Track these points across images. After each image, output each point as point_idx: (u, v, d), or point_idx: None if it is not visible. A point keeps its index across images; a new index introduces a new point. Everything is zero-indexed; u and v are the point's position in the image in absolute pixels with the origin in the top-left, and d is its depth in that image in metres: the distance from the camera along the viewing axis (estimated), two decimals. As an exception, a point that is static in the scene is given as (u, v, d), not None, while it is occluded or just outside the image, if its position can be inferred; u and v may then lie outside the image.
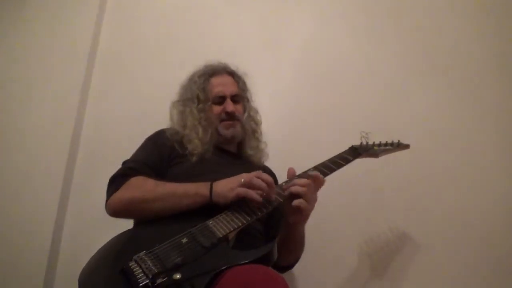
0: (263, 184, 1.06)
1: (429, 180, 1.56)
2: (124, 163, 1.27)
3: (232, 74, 1.47)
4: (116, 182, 1.19)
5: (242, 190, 1.05)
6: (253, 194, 1.05)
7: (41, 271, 1.63)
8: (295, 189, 1.08)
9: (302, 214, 1.10)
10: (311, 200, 1.10)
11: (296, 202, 1.06)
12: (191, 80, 1.45)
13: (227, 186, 1.08)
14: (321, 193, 1.15)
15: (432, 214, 1.51)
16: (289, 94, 1.79)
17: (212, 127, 1.36)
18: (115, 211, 1.17)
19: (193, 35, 1.95)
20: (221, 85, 1.41)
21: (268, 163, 1.50)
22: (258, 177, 1.07)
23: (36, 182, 1.78)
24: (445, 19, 1.76)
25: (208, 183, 1.10)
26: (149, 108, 1.83)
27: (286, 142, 1.69)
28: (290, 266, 1.31)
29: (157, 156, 1.28)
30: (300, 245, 1.25)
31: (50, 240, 1.68)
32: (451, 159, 1.57)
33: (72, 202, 1.79)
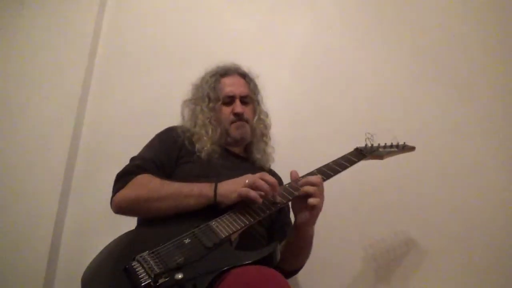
0: (266, 186, 1.05)
1: (434, 184, 1.56)
2: (132, 159, 1.27)
3: (244, 75, 1.47)
4: (122, 179, 1.19)
5: (244, 190, 1.05)
6: (254, 194, 1.04)
7: (41, 271, 1.62)
8: (306, 189, 1.08)
9: (314, 212, 1.09)
10: (321, 199, 1.09)
11: (311, 200, 1.06)
12: (203, 79, 1.46)
13: (231, 187, 1.08)
14: (325, 196, 1.13)
15: (438, 218, 1.51)
16: (289, 96, 1.79)
17: (222, 127, 1.37)
18: (120, 208, 1.17)
19: (193, 35, 1.95)
20: (232, 85, 1.41)
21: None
22: (262, 179, 1.06)
23: (36, 182, 1.78)
24: (447, 20, 1.77)
25: (213, 184, 1.10)
26: (149, 108, 1.83)
27: (287, 144, 1.68)
28: (295, 271, 1.29)
29: (165, 155, 1.28)
30: (307, 249, 1.23)
31: (50, 240, 1.67)
32: (454, 161, 1.57)
33: (72, 202, 1.78)
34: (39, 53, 1.99)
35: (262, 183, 1.06)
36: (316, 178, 1.10)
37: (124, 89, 1.94)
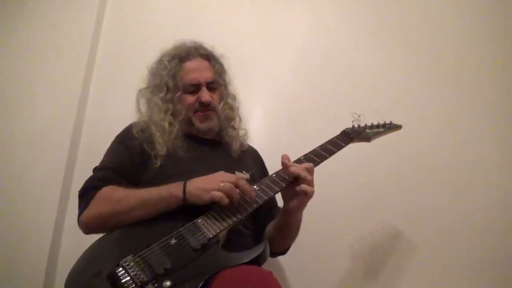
0: (237, 196, 1.00)
1: (425, 178, 1.54)
2: (94, 170, 1.19)
3: (208, 57, 1.30)
4: (85, 196, 1.12)
5: (218, 196, 0.98)
6: (227, 202, 0.99)
7: (41, 271, 1.63)
8: (295, 169, 1.03)
9: (304, 199, 1.05)
10: (312, 185, 1.06)
11: (303, 186, 1.02)
12: (160, 63, 1.29)
13: (201, 187, 1.00)
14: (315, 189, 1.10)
15: (428, 212, 1.50)
16: (287, 91, 1.77)
17: (185, 116, 1.24)
18: (89, 229, 1.10)
19: (192, 34, 1.92)
20: (195, 71, 1.25)
21: (266, 158, 1.46)
22: (237, 186, 1.00)
23: (36, 182, 1.78)
24: (442, 14, 1.74)
25: (181, 183, 1.02)
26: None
27: (284, 138, 1.68)
28: (283, 252, 1.27)
29: (127, 160, 1.18)
30: (295, 232, 1.21)
31: (50, 240, 1.68)
32: (447, 156, 1.55)
33: (72, 202, 1.78)
34: (39, 53, 1.98)
35: (236, 192, 1.00)
36: (307, 165, 1.06)
37: (124, 89, 1.92)
